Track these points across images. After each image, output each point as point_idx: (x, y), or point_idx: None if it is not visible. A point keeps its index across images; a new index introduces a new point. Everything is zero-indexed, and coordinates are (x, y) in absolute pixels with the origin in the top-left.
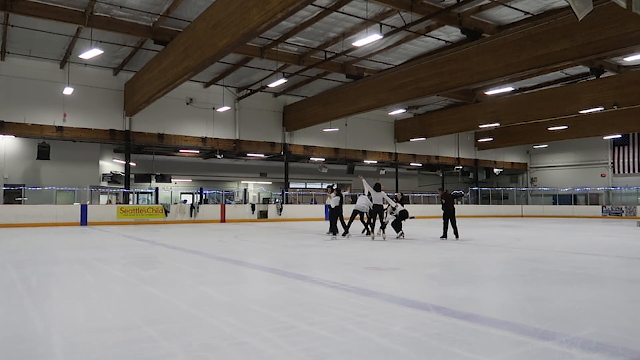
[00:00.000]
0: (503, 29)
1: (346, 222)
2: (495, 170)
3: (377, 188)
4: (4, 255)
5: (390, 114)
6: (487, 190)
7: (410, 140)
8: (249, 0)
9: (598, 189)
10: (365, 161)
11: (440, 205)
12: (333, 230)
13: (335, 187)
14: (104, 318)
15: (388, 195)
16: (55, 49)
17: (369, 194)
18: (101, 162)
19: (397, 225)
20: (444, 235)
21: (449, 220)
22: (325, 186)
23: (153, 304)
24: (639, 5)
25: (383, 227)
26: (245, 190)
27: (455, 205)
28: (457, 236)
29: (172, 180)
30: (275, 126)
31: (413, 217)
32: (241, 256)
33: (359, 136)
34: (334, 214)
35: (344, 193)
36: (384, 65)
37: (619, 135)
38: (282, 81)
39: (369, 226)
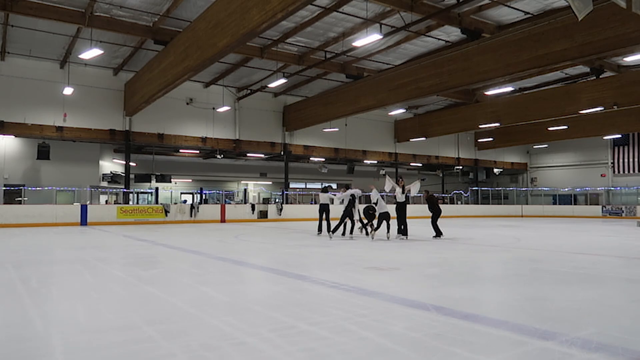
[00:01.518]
0: (503, 29)
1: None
2: (495, 170)
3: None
4: (4, 255)
5: (390, 114)
6: (487, 190)
7: (410, 140)
8: (249, 0)
9: (598, 189)
10: (365, 161)
11: (427, 207)
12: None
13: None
14: (104, 318)
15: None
16: (55, 49)
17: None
18: (101, 162)
19: (404, 227)
20: (438, 234)
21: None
22: (324, 186)
23: (153, 304)
24: (639, 5)
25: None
26: (245, 190)
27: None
28: (439, 235)
29: (172, 180)
30: (275, 126)
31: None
32: (241, 256)
33: (359, 136)
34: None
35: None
36: (384, 65)
37: (619, 135)
38: (282, 81)
39: (367, 227)
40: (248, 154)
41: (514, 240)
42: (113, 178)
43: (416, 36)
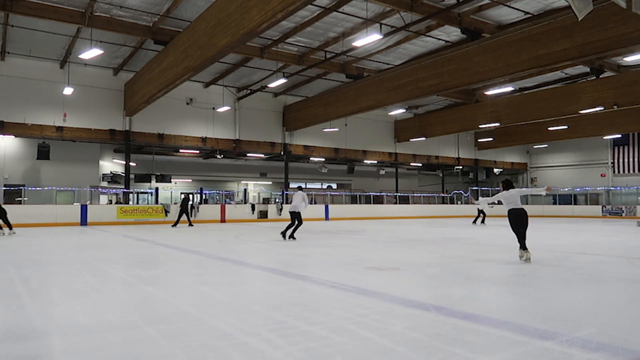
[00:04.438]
0: (503, 29)
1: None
2: (495, 170)
3: (508, 185)
4: (4, 255)
5: (390, 114)
6: (487, 190)
7: (410, 140)
8: (249, 0)
9: (598, 189)
10: (365, 161)
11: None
12: None
13: None
14: (104, 318)
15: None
16: (55, 49)
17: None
18: (101, 162)
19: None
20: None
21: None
22: (325, 186)
23: (153, 304)
24: (639, 5)
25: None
26: (245, 190)
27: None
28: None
29: (172, 180)
30: (275, 126)
31: None
32: (241, 256)
33: (359, 136)
34: None
35: None
36: (384, 65)
37: (619, 135)
38: (282, 81)
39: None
40: (248, 154)
41: (514, 240)
42: (113, 178)
43: (416, 36)
